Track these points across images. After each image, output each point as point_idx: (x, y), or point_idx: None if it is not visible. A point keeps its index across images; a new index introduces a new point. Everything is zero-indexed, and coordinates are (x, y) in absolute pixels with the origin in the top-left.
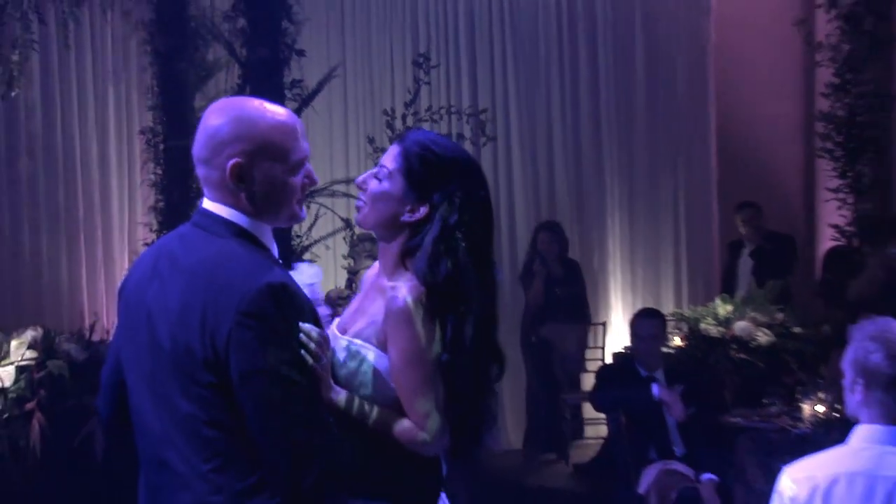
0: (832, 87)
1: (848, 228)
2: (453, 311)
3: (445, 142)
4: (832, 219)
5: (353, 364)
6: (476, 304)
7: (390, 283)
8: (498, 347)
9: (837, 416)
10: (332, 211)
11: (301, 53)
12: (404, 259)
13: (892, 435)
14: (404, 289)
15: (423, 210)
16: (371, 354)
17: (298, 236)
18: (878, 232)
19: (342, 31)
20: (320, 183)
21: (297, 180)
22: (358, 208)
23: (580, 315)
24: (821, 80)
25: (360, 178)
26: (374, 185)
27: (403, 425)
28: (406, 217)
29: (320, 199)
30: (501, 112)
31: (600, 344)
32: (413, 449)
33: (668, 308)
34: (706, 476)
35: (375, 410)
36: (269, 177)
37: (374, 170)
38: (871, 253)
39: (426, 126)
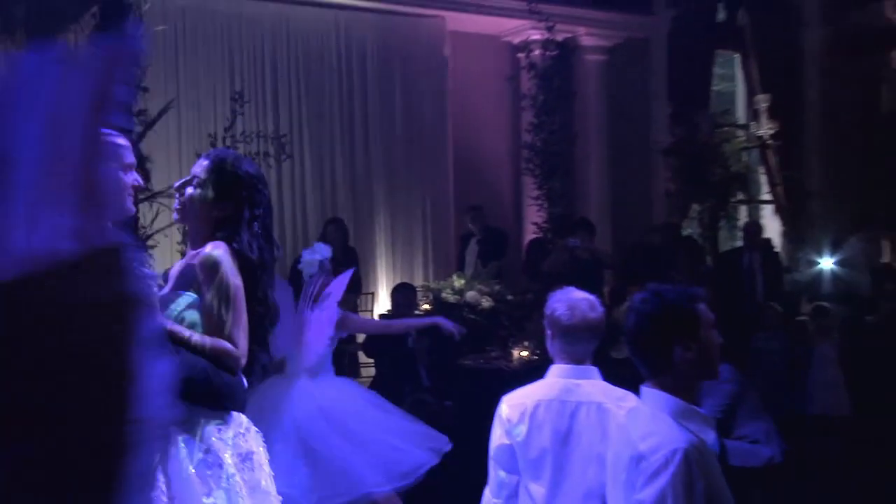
0: (532, 125)
1: (544, 225)
2: (255, 275)
3: (238, 156)
4: (534, 218)
5: (182, 310)
6: (269, 269)
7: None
8: (275, 303)
9: (537, 358)
10: (169, 209)
11: (145, 90)
12: (205, 243)
13: (574, 371)
14: (209, 246)
15: (226, 207)
16: (190, 300)
17: (143, 227)
18: (563, 228)
19: (176, 71)
20: (162, 187)
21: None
22: (176, 209)
23: (355, 287)
24: (525, 120)
25: (177, 184)
26: (189, 190)
27: (225, 346)
28: (215, 213)
29: (160, 200)
30: (297, 136)
31: (370, 308)
32: (230, 364)
33: (418, 282)
34: (448, 403)
35: (206, 339)
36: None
37: (188, 178)
38: (559, 242)
39: (240, 146)
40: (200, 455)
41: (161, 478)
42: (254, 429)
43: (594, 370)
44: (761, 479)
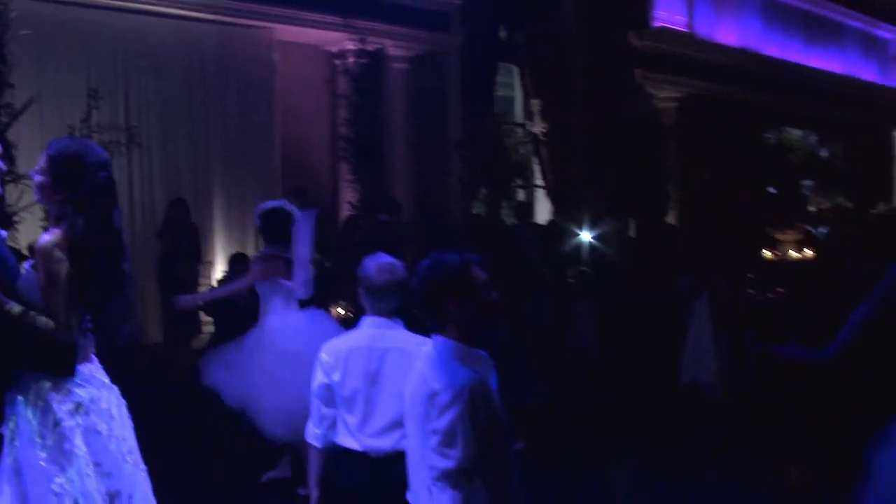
0: (347, 121)
1: (357, 204)
2: (87, 249)
3: (81, 146)
4: (348, 198)
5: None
6: (103, 246)
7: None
8: (124, 274)
9: (352, 315)
10: (31, 189)
11: (11, 86)
12: (58, 222)
13: (382, 322)
14: (46, 235)
15: (64, 192)
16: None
17: (10, 205)
18: (374, 206)
19: (40, 70)
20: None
21: None
22: (35, 192)
23: (196, 257)
24: (341, 116)
25: (30, 171)
26: (37, 177)
27: (48, 322)
28: (57, 197)
29: (25, 181)
30: (146, 128)
31: (209, 275)
32: (51, 335)
33: (251, 252)
34: None
35: (35, 315)
36: None
37: (37, 167)
38: (366, 218)
39: (95, 137)
40: (47, 437)
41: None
42: (96, 380)
43: (399, 321)
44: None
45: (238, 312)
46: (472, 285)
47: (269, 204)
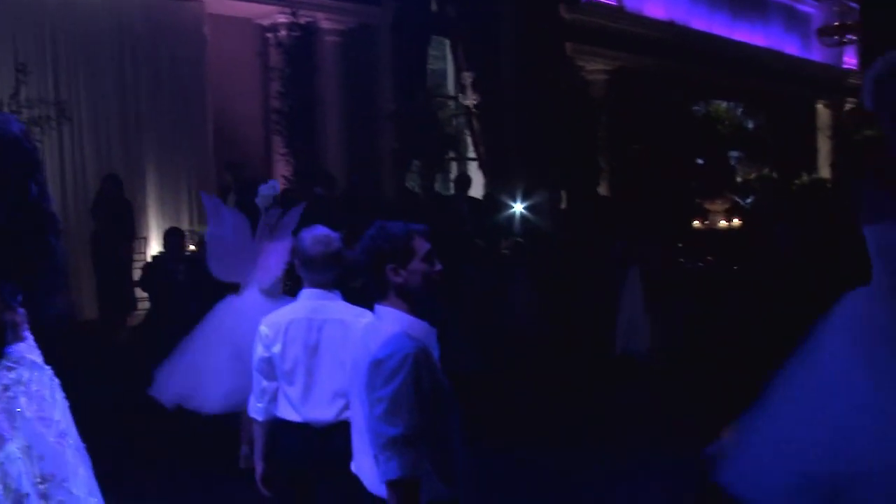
0: (280, 94)
1: (291, 178)
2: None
3: None
4: (283, 172)
5: None
6: (21, 218)
7: None
8: (51, 246)
9: (288, 286)
10: None
11: None
12: None
13: (320, 294)
14: None
15: None
16: None
17: None
18: (308, 180)
19: None
20: None
21: None
22: None
23: (129, 233)
24: (274, 89)
25: None
26: None
27: None
28: None
29: None
30: (75, 102)
31: (143, 251)
32: None
33: (184, 227)
34: None
35: None
36: None
37: None
38: (301, 191)
39: (24, 112)
40: None
41: None
42: (27, 361)
43: (336, 293)
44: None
45: (173, 288)
46: (416, 255)
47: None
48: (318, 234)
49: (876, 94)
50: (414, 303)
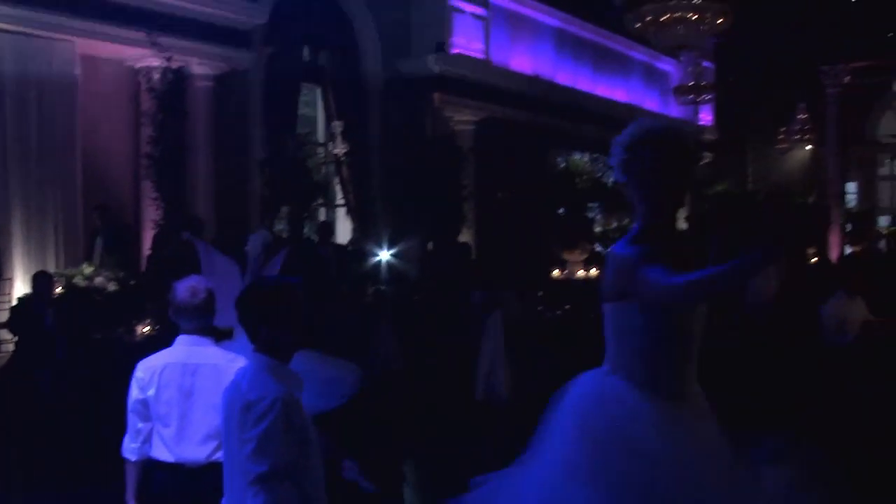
0: (151, 138)
1: (161, 222)
2: None
3: None
4: (152, 217)
5: None
6: None
7: None
8: None
9: (156, 332)
10: None
11: None
12: None
13: (194, 339)
14: None
15: None
16: None
17: None
18: (177, 224)
19: None
20: None
21: None
22: None
23: None
24: (145, 134)
25: None
26: None
27: None
28: None
29: None
30: None
31: (8, 292)
32: None
33: (51, 268)
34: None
35: None
36: None
37: None
38: (175, 236)
39: None
40: None
41: None
42: None
43: (210, 339)
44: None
45: (40, 331)
46: (286, 310)
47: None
48: (188, 285)
49: (625, 162)
50: (282, 352)
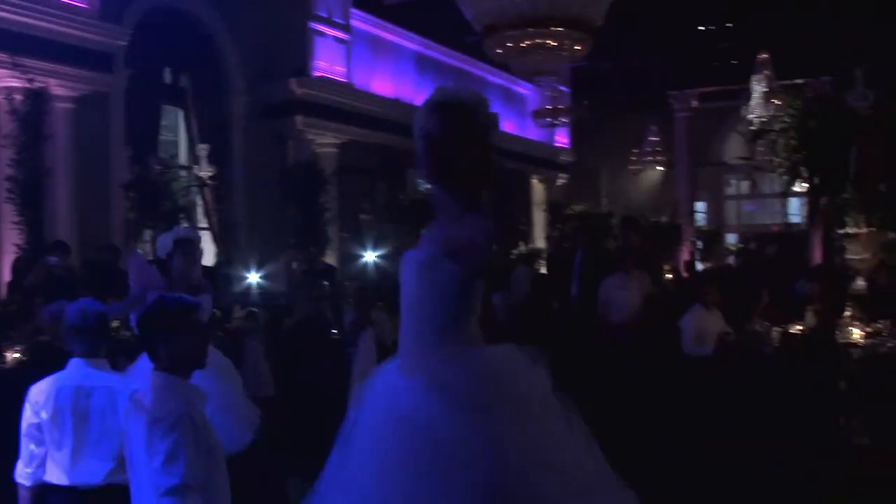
0: (13, 161)
1: (25, 246)
2: None
3: None
4: (14, 241)
5: None
6: None
7: None
8: None
9: (27, 358)
10: None
11: None
12: None
13: (88, 362)
14: None
15: None
16: None
17: None
18: (41, 249)
19: None
20: None
21: None
22: None
23: None
24: (6, 157)
25: None
26: None
27: None
28: None
29: None
30: None
31: None
32: None
33: None
34: None
35: None
36: None
37: None
38: (38, 261)
39: None
40: None
41: None
42: None
43: (104, 361)
44: None
45: None
46: (185, 327)
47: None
48: (77, 307)
49: (417, 123)
50: (182, 369)
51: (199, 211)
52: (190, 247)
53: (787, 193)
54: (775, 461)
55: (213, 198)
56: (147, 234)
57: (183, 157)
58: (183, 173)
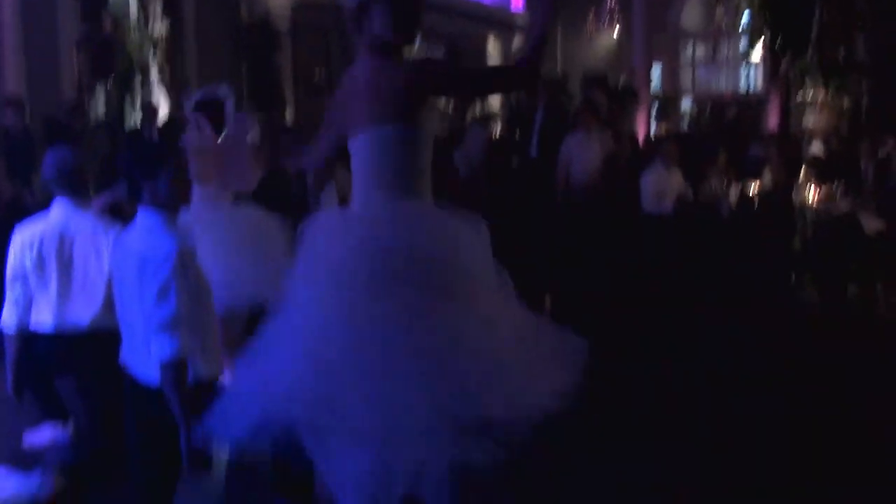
0: None
1: None
2: None
3: None
4: None
5: None
6: None
7: None
8: None
9: None
10: None
11: None
12: None
13: (72, 204)
14: None
15: None
16: None
17: None
18: None
19: None
20: None
21: None
22: None
23: None
24: None
25: None
26: None
27: None
28: None
29: None
30: None
31: None
32: None
33: None
34: None
35: None
36: None
37: None
38: None
39: None
40: None
41: None
42: None
43: (89, 205)
44: None
45: None
46: (168, 163)
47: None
48: (57, 154)
49: None
50: (170, 205)
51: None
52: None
53: (746, 58)
54: (730, 316)
55: (166, 56)
56: (100, 91)
57: (135, 14)
58: (135, 30)
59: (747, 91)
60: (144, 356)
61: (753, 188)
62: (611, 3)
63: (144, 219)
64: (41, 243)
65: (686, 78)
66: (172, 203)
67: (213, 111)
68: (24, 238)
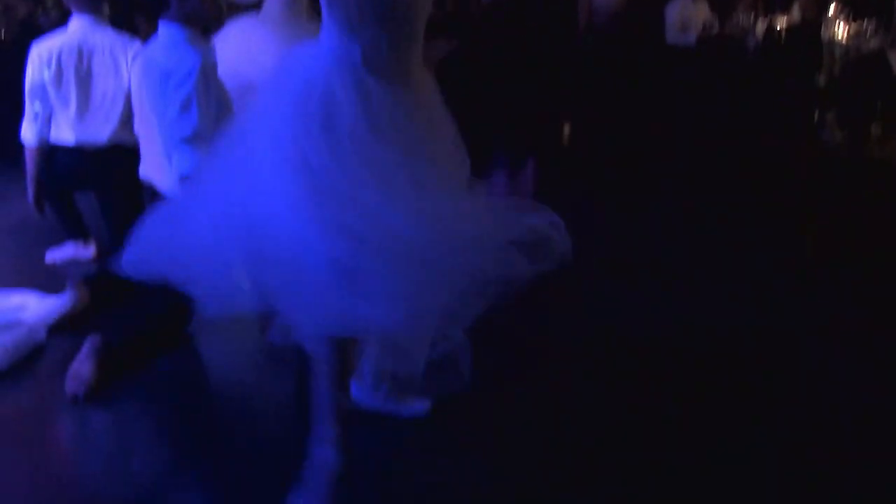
0: None
1: None
2: None
3: None
4: None
5: None
6: None
7: None
8: None
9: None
10: None
11: None
12: None
13: (90, 19)
14: None
15: None
16: None
17: None
18: None
19: None
20: None
21: None
22: None
23: None
24: None
25: None
26: None
27: None
28: None
29: None
30: None
31: None
32: None
33: None
34: None
35: None
36: None
37: None
38: None
39: None
40: None
41: None
42: None
43: (106, 20)
44: None
45: None
46: None
47: None
48: None
49: None
50: (195, 21)
51: None
52: None
53: None
54: (752, 158)
55: None
56: None
57: None
58: None
59: None
60: (165, 169)
61: (781, 22)
62: None
63: (169, 30)
64: (59, 57)
65: None
66: (201, 20)
67: None
68: (41, 52)
